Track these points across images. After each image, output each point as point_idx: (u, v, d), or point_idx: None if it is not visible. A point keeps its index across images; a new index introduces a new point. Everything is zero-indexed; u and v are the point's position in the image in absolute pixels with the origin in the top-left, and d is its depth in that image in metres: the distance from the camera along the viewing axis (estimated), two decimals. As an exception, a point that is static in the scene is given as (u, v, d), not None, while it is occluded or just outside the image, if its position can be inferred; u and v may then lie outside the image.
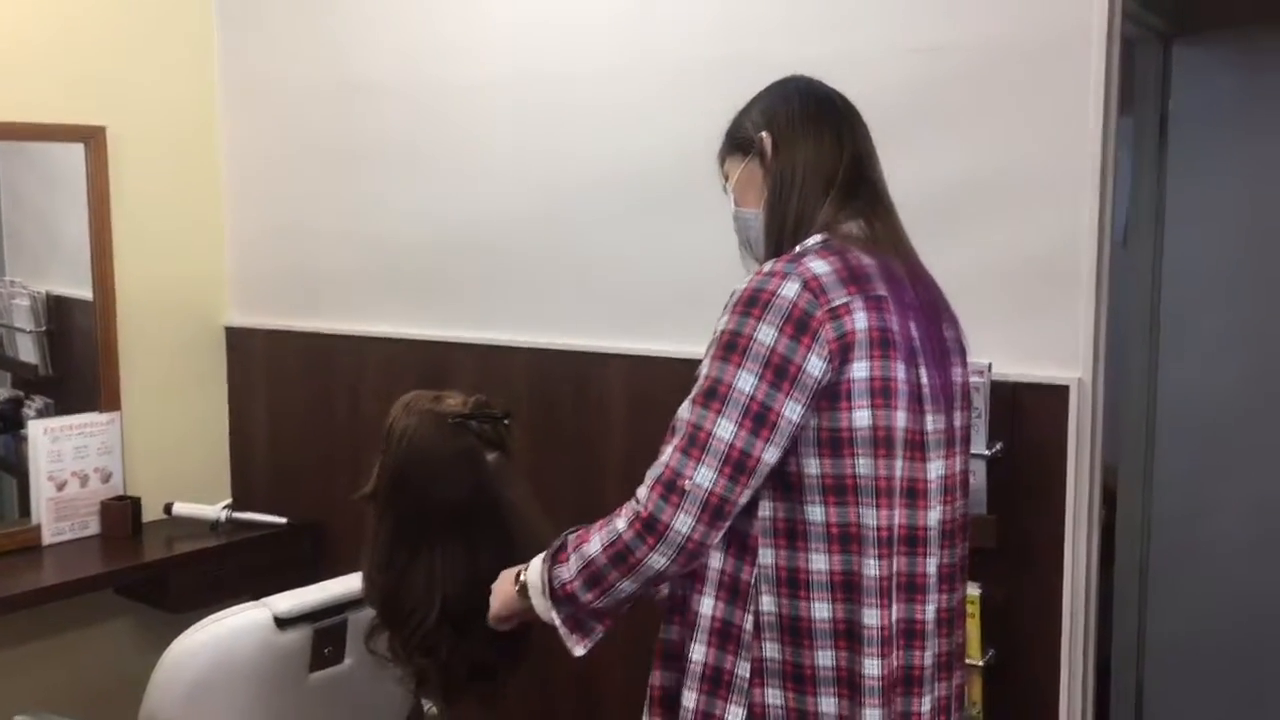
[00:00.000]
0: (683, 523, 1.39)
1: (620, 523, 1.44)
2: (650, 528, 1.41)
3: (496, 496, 1.81)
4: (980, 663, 2.09)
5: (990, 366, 2.06)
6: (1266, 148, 2.78)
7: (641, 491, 1.44)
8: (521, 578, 1.59)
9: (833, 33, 2.24)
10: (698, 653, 1.49)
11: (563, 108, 2.62)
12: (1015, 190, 2.09)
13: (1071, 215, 2.04)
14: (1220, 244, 2.87)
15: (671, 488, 1.40)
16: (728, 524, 1.43)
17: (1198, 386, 2.91)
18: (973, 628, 2.09)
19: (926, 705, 1.50)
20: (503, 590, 1.65)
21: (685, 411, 1.44)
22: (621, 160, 2.54)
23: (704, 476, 1.39)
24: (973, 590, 2.08)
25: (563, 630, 1.53)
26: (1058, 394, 2.05)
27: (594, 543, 1.47)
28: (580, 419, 2.63)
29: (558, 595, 1.51)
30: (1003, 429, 2.08)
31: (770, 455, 1.41)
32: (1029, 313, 2.09)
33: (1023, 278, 2.09)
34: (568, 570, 1.49)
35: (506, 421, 1.85)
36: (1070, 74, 2.02)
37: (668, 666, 1.57)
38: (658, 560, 1.41)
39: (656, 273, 2.50)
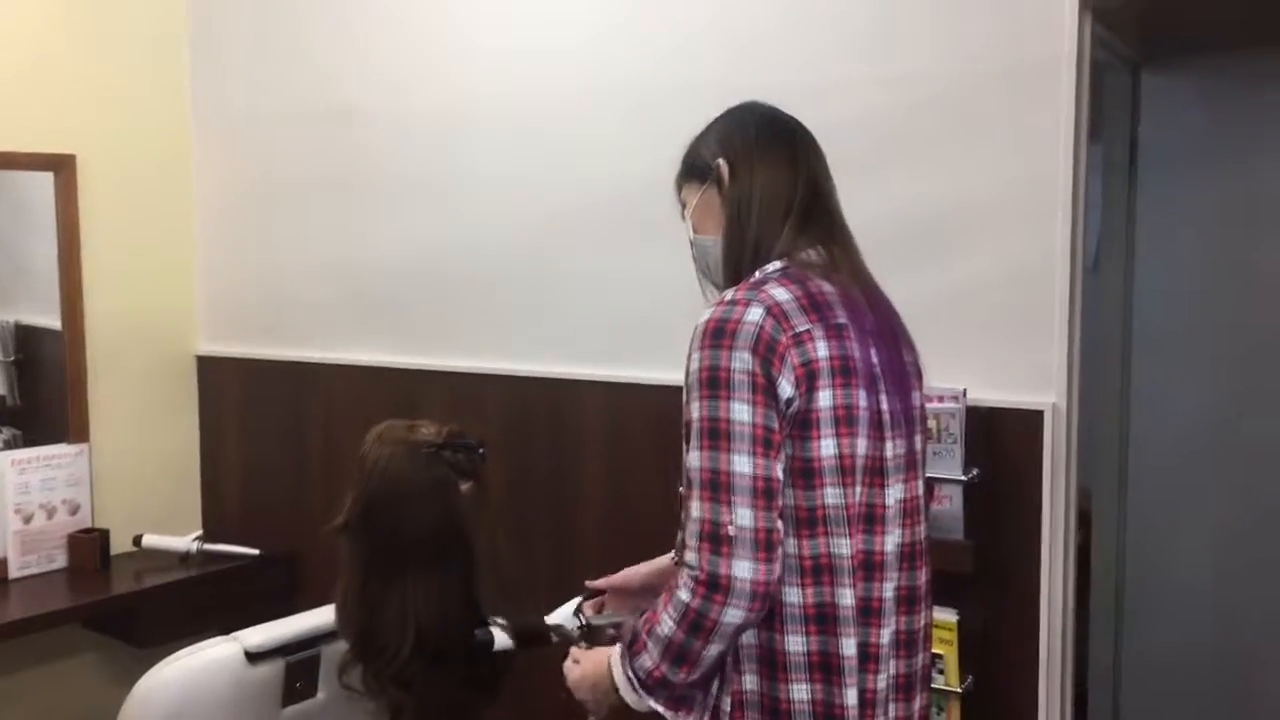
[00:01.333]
0: (742, 569, 1.37)
1: (683, 593, 1.40)
2: (714, 586, 1.37)
3: (470, 527, 1.79)
4: (959, 689, 2.09)
5: (965, 392, 2.06)
6: (1234, 174, 2.81)
7: (690, 556, 1.40)
8: (614, 676, 1.52)
9: (803, 60, 2.26)
10: (711, 686, 1.48)
11: (535, 136, 2.62)
12: (987, 217, 2.10)
13: (1044, 241, 2.05)
14: (1190, 268, 2.90)
15: (717, 539, 1.37)
16: (781, 552, 1.40)
17: (1171, 408, 2.93)
18: (950, 653, 2.08)
19: None
20: (599, 680, 1.57)
21: (695, 460, 1.41)
22: (594, 188, 2.54)
23: (743, 517, 1.37)
24: (950, 616, 2.08)
25: (669, 714, 1.49)
26: (1032, 419, 2.06)
27: (665, 622, 1.42)
28: (555, 447, 2.62)
29: (649, 685, 1.46)
30: (978, 454, 2.08)
31: (781, 472, 1.41)
32: (1003, 338, 2.10)
33: (996, 304, 2.10)
34: (649, 658, 1.44)
35: (481, 451, 1.84)
36: (1041, 101, 2.04)
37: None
38: (734, 614, 1.38)
39: (631, 299, 2.50)
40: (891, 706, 1.53)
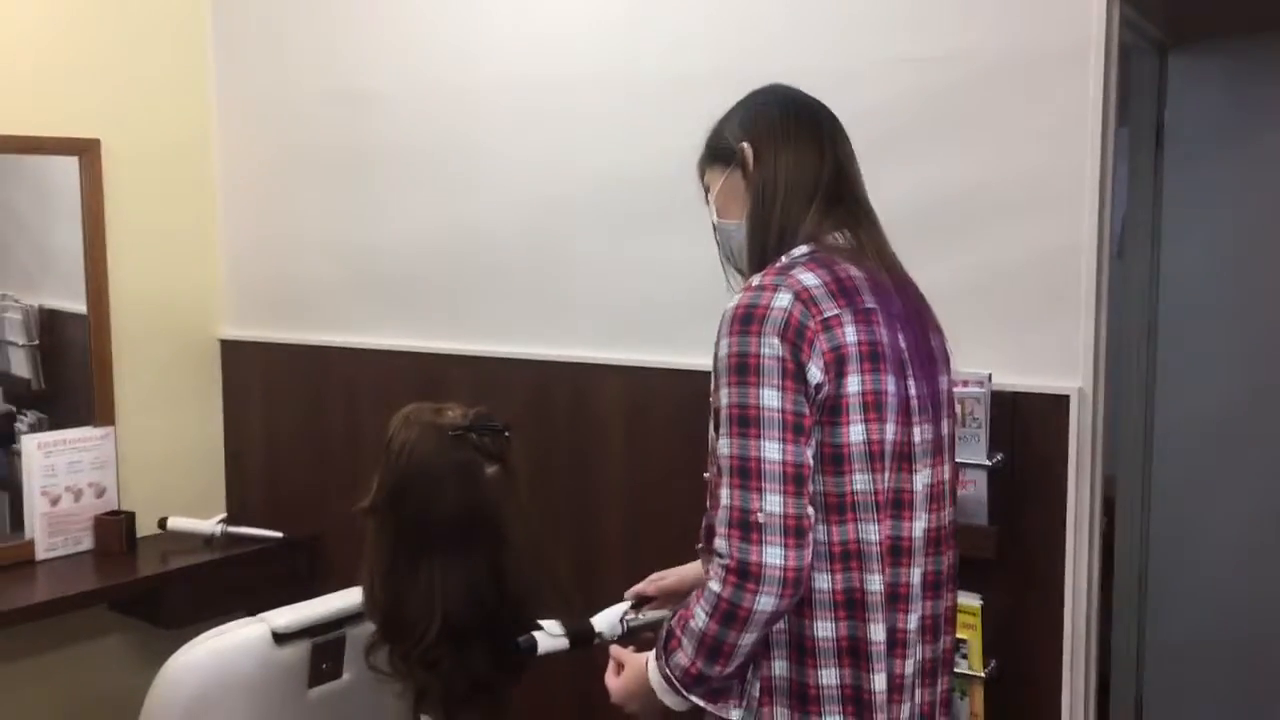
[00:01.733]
0: (773, 555, 1.36)
1: (714, 584, 1.39)
2: (744, 574, 1.37)
3: (496, 509, 1.80)
4: (982, 674, 2.08)
5: (990, 377, 2.05)
6: (1261, 157, 2.79)
7: (720, 544, 1.39)
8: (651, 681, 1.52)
9: (830, 44, 2.24)
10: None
11: (560, 117, 2.62)
12: (1013, 201, 2.09)
13: (1070, 225, 2.04)
14: (1216, 253, 2.88)
15: (747, 526, 1.37)
16: (812, 538, 1.40)
17: (1196, 395, 2.92)
18: (974, 638, 2.08)
19: (906, 713, 1.49)
20: (639, 685, 1.56)
21: (725, 447, 1.41)
22: (619, 170, 2.53)
23: (772, 503, 1.37)
24: (974, 601, 2.08)
25: (708, 707, 1.48)
26: (1058, 404, 2.05)
27: (698, 616, 1.41)
28: (577, 430, 2.62)
29: (686, 683, 1.45)
30: (1003, 439, 2.07)
31: (811, 458, 1.40)
32: (1029, 323, 2.09)
33: (1022, 288, 2.09)
34: (684, 655, 1.44)
35: (507, 434, 1.84)
36: (1069, 84, 2.02)
37: None
38: (766, 602, 1.37)
39: (654, 283, 2.50)
40: (917, 692, 1.53)
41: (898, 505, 1.47)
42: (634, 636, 1.78)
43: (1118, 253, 2.69)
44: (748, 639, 1.40)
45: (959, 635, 2.07)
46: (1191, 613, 2.93)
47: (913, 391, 1.48)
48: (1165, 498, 3.01)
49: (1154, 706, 3.06)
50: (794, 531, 1.37)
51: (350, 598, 1.99)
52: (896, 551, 1.47)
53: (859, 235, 1.54)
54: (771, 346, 1.39)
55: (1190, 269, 2.93)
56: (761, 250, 1.54)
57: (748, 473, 1.38)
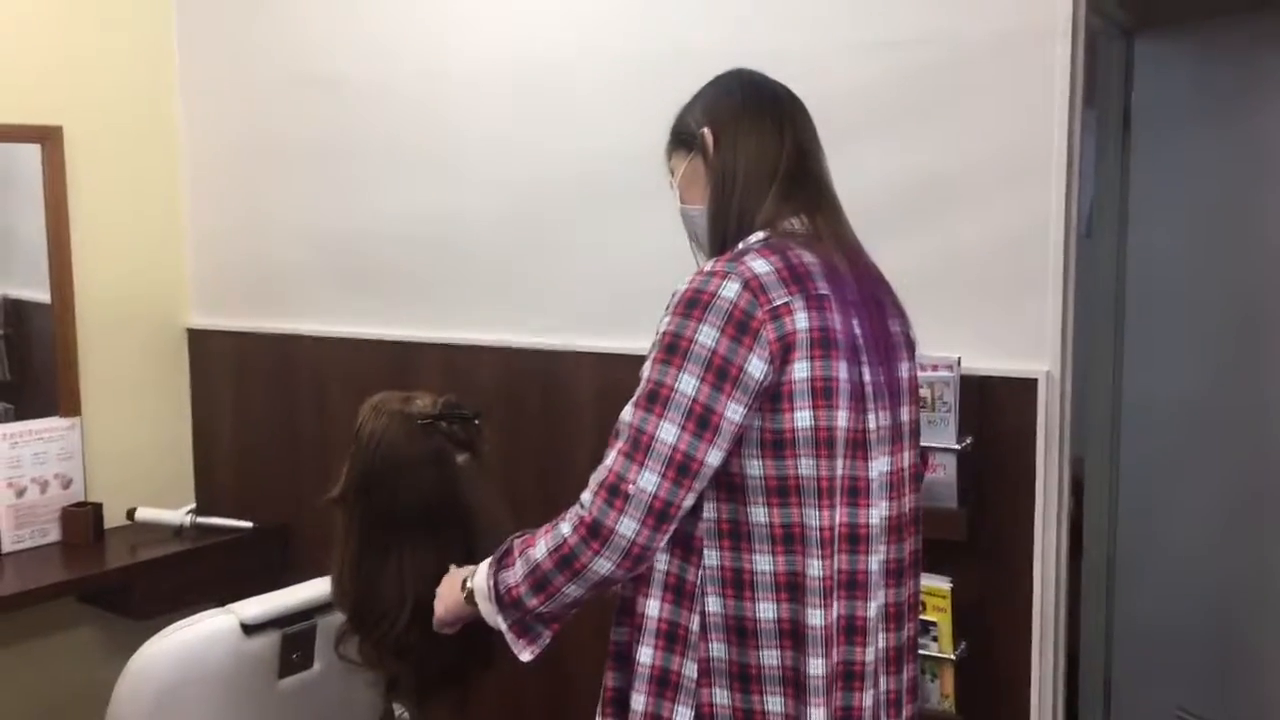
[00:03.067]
0: (627, 527, 1.39)
1: (565, 527, 1.44)
2: (594, 532, 1.40)
3: (466, 498, 1.79)
4: (952, 655, 2.10)
5: (959, 361, 2.06)
6: (1227, 139, 2.81)
7: (585, 496, 1.43)
8: (468, 583, 1.59)
9: (801, 27, 2.24)
10: (645, 655, 1.49)
11: (528, 104, 2.60)
12: (981, 184, 2.10)
13: (1037, 208, 2.05)
14: (1183, 236, 2.90)
15: (615, 492, 1.40)
16: (673, 526, 1.42)
17: (1163, 376, 2.94)
18: (944, 621, 2.09)
19: (869, 700, 1.50)
20: (449, 595, 1.64)
21: (628, 414, 1.43)
22: (588, 156, 2.53)
23: (647, 481, 1.39)
24: (943, 584, 2.09)
25: (510, 636, 1.53)
26: (1026, 387, 2.07)
27: (540, 548, 1.46)
28: (548, 417, 2.61)
29: (504, 601, 1.51)
30: (972, 422, 2.09)
31: (714, 458, 1.41)
32: (996, 306, 2.10)
33: (989, 271, 2.10)
34: (513, 575, 1.49)
35: (477, 422, 1.83)
36: (1035, 67, 2.03)
37: (619, 668, 1.56)
38: (603, 565, 1.41)
39: (624, 269, 2.50)
40: (882, 679, 1.53)
41: (853, 493, 1.47)
42: None
43: (1086, 234, 2.71)
44: (574, 589, 1.45)
45: (929, 618, 2.09)
46: (1160, 593, 2.96)
47: (867, 378, 1.48)
48: (1133, 478, 3.04)
49: (1123, 686, 3.09)
50: (657, 514, 1.40)
51: (320, 587, 1.98)
52: (854, 539, 1.47)
53: (816, 220, 1.54)
54: (707, 335, 1.40)
55: (1157, 250, 2.95)
56: (721, 235, 1.55)
57: (638, 445, 1.40)
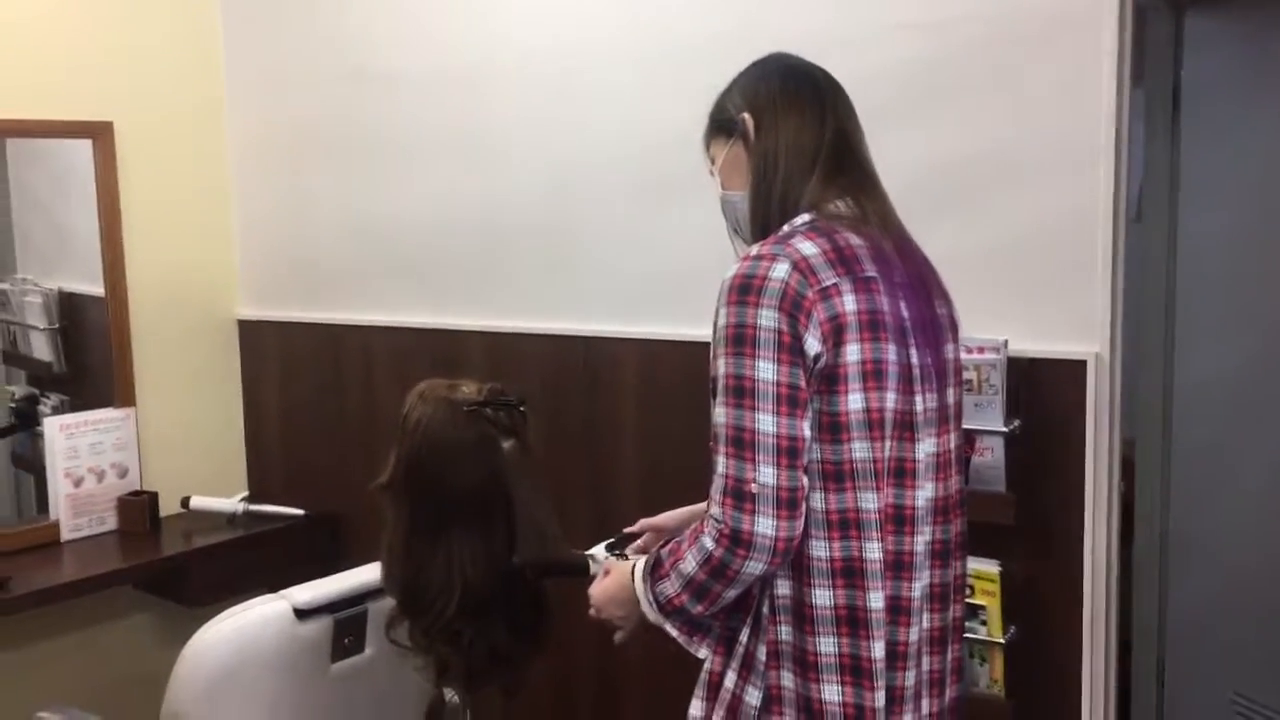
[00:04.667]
0: (765, 525, 1.39)
1: (708, 540, 1.43)
2: (737, 540, 1.40)
3: (511, 484, 1.80)
4: (1002, 639, 2.09)
5: (1006, 343, 2.04)
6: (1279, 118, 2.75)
7: (714, 509, 1.42)
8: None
9: (839, 9, 2.22)
10: (742, 634, 1.51)
11: (569, 91, 2.61)
12: (1028, 165, 2.07)
13: (1086, 189, 2.02)
14: (1235, 216, 2.84)
15: (741, 495, 1.40)
16: (804, 508, 1.42)
17: (1214, 359, 2.89)
18: (993, 605, 2.08)
19: (911, 679, 1.50)
20: (625, 596, 1.61)
21: (721, 416, 1.43)
22: (628, 142, 2.53)
23: (766, 475, 1.39)
24: (992, 568, 2.08)
25: (681, 638, 1.54)
26: (1075, 369, 2.04)
27: (689, 561, 1.46)
28: (591, 404, 2.62)
29: (666, 609, 1.51)
30: (1020, 406, 2.07)
31: (808, 430, 1.41)
32: (1045, 288, 2.07)
33: (1038, 253, 2.08)
34: (671, 586, 1.49)
35: (521, 409, 1.84)
36: (1083, 45, 2.00)
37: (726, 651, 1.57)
38: (755, 567, 1.41)
39: (666, 255, 2.50)
40: (925, 659, 1.53)
41: (900, 474, 1.47)
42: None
43: (1135, 217, 2.67)
44: (732, 592, 1.45)
45: (978, 601, 2.08)
46: (1214, 576, 2.92)
47: (914, 360, 1.48)
48: (1185, 461, 2.99)
49: (1176, 672, 3.05)
50: (787, 503, 1.39)
51: (371, 573, 2.00)
52: (900, 520, 1.47)
53: (861, 202, 1.54)
54: (768, 318, 1.40)
55: (1208, 231, 2.90)
56: (764, 220, 1.54)
57: (742, 443, 1.40)
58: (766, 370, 1.40)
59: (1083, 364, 2.04)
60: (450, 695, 2.02)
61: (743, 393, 1.40)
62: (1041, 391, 2.07)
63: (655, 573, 1.51)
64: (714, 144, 1.65)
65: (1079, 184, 2.03)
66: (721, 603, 1.47)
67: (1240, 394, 2.84)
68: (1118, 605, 2.15)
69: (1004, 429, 2.05)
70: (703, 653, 1.54)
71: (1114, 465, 2.09)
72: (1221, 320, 2.87)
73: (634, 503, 2.56)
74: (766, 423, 1.39)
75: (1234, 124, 2.82)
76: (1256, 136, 2.79)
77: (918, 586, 1.49)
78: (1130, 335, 2.16)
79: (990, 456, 2.06)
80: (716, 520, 1.41)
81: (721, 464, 1.42)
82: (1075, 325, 2.05)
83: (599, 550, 1.84)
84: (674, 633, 1.53)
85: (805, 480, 1.41)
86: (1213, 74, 2.86)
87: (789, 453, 1.39)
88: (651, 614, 1.53)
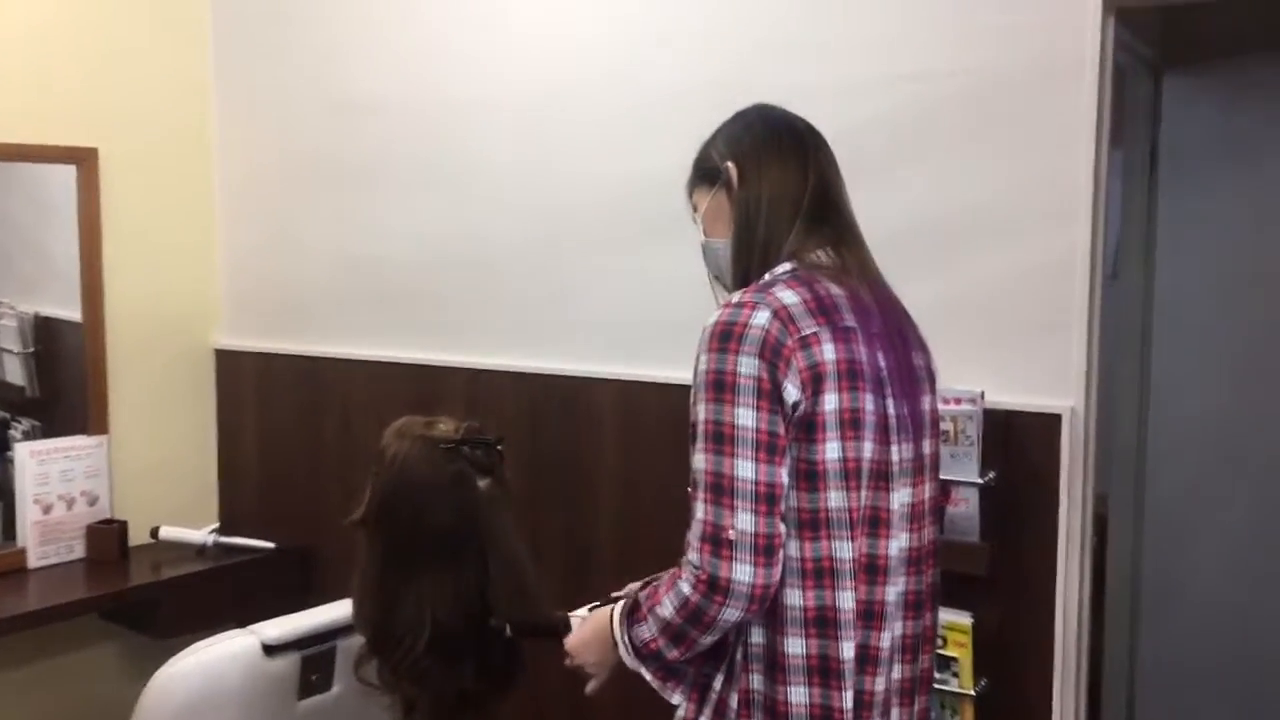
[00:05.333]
0: (742, 572, 1.40)
1: (685, 586, 1.43)
2: (714, 587, 1.41)
3: (487, 523, 1.80)
4: (973, 691, 2.08)
5: (983, 395, 2.06)
6: (1254, 177, 2.80)
7: (692, 555, 1.43)
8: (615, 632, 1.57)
9: (826, 60, 2.25)
10: (716, 681, 1.51)
11: (557, 130, 2.63)
12: (1007, 219, 2.10)
13: (1064, 244, 2.05)
14: (1209, 273, 2.89)
15: (718, 542, 1.40)
16: (782, 555, 1.43)
17: (1188, 413, 2.92)
18: (964, 656, 2.08)
19: None
20: (601, 643, 1.61)
21: (700, 461, 1.44)
22: (613, 184, 2.54)
23: (744, 521, 1.40)
24: (964, 619, 2.08)
25: (655, 683, 1.54)
26: (1050, 422, 2.06)
27: (666, 606, 1.46)
28: (570, 444, 2.62)
29: (643, 654, 1.51)
30: (995, 457, 2.08)
31: (785, 478, 1.42)
32: (1021, 342, 2.09)
33: (1015, 307, 2.09)
34: (648, 630, 1.50)
35: (499, 448, 1.84)
36: (1063, 103, 2.03)
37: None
38: (731, 614, 1.42)
39: (648, 297, 2.51)
40: (895, 711, 1.53)
41: (874, 523, 1.48)
42: None
43: (1111, 273, 2.70)
44: (709, 639, 1.46)
45: (950, 653, 2.08)
46: (1184, 629, 2.93)
47: (891, 410, 1.49)
48: (1158, 516, 3.02)
49: (1146, 718, 3.06)
50: (764, 550, 1.40)
51: (341, 610, 1.99)
52: (872, 569, 1.48)
53: (841, 253, 1.55)
54: (748, 365, 1.41)
55: (1184, 287, 2.94)
56: (745, 268, 1.56)
57: (720, 489, 1.40)
58: (746, 417, 1.40)
59: (1058, 417, 2.05)
60: (417, 735, 2.00)
61: (722, 439, 1.41)
62: (1017, 444, 2.08)
63: (633, 616, 1.52)
64: (697, 192, 1.67)
65: (1057, 240, 2.05)
66: (698, 648, 1.47)
67: (1213, 450, 2.87)
68: (1089, 658, 2.16)
69: (979, 480, 2.06)
70: (676, 698, 1.54)
71: (1087, 518, 2.10)
72: (1195, 377, 2.91)
73: (612, 545, 2.57)
74: (745, 469, 1.40)
75: (1210, 182, 2.87)
76: (1231, 194, 2.84)
77: (887, 637, 1.49)
78: (1105, 390, 2.18)
79: (965, 507, 2.07)
80: (694, 566, 1.42)
81: (700, 509, 1.42)
82: (1051, 379, 2.07)
83: (582, 612, 1.82)
84: (649, 677, 1.53)
85: (783, 527, 1.42)
86: (1190, 134, 2.91)
87: (767, 499, 1.40)
88: (628, 659, 1.53)
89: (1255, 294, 2.79)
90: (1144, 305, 3.02)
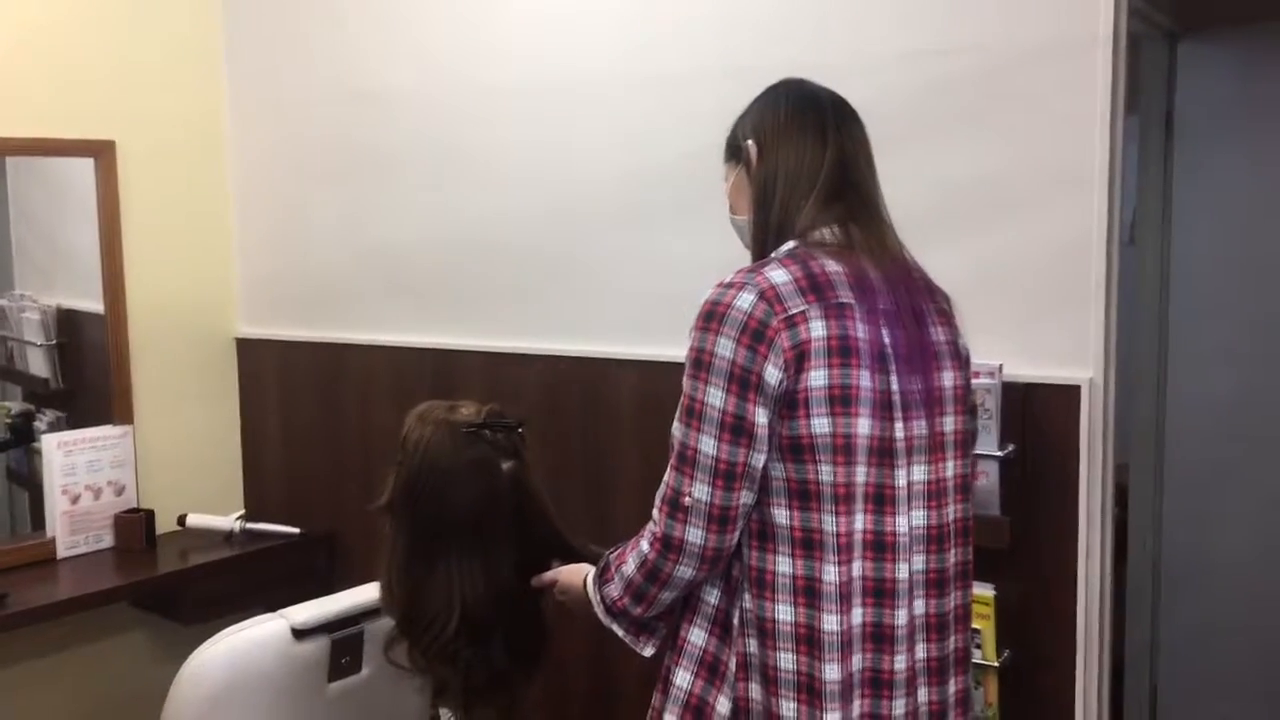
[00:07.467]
0: (695, 535, 1.48)
1: (644, 544, 1.55)
2: (668, 545, 1.51)
3: (512, 505, 1.82)
4: (996, 663, 2.09)
5: (1001, 368, 2.06)
6: (1272, 144, 2.79)
7: (655, 514, 1.53)
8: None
9: (838, 36, 2.25)
10: (696, 636, 1.57)
11: (572, 113, 2.62)
12: (1023, 191, 2.09)
13: (1080, 215, 2.04)
14: (1227, 241, 2.87)
15: (676, 505, 1.49)
16: (739, 524, 1.49)
17: (1208, 382, 2.92)
18: (987, 628, 2.09)
19: (900, 709, 1.50)
20: (579, 596, 1.74)
21: (675, 430, 1.52)
22: (631, 164, 2.54)
23: (700, 491, 1.47)
24: (987, 591, 2.08)
25: (627, 638, 1.65)
26: (1069, 394, 2.05)
27: (630, 563, 1.58)
28: (591, 426, 2.63)
29: (613, 611, 1.63)
30: (1015, 430, 2.08)
31: (755, 460, 1.46)
32: (1039, 314, 2.09)
33: (1032, 279, 2.09)
34: (614, 589, 1.61)
35: (520, 430, 1.86)
36: (1078, 73, 2.02)
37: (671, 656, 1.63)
38: (685, 571, 1.51)
39: (666, 277, 2.51)
40: (923, 690, 1.53)
41: (879, 500, 1.48)
42: None
43: (1129, 241, 2.69)
44: (667, 594, 1.56)
45: (974, 625, 2.08)
46: (1206, 601, 2.93)
47: (895, 387, 1.48)
48: (1179, 485, 3.02)
49: (1168, 695, 3.07)
50: (718, 519, 1.48)
51: (368, 593, 2.01)
52: (880, 547, 1.48)
53: (850, 230, 1.55)
54: (725, 347, 1.45)
55: (1202, 256, 2.93)
56: (762, 245, 1.58)
57: (684, 459, 1.49)
58: (715, 397, 1.46)
59: (1077, 389, 2.05)
60: (447, 716, 2.02)
61: (692, 414, 1.48)
62: (1036, 416, 2.09)
63: (603, 576, 1.64)
64: (726, 168, 1.69)
65: (1073, 210, 2.04)
66: (659, 605, 1.58)
67: (1233, 419, 2.87)
68: (1111, 630, 2.16)
69: (999, 453, 2.06)
70: (648, 651, 1.64)
71: (1108, 489, 2.10)
72: (1214, 345, 2.90)
73: (632, 524, 2.56)
74: (708, 445, 1.47)
75: (1225, 150, 2.86)
76: (1246, 162, 2.82)
77: (903, 615, 1.49)
78: (1124, 360, 2.17)
79: (985, 480, 2.07)
80: (654, 524, 1.52)
81: (667, 474, 1.51)
82: (1070, 350, 2.07)
83: None
84: (621, 633, 1.63)
85: (743, 499, 1.47)
86: (1205, 101, 2.90)
87: (725, 475, 1.46)
88: (603, 617, 1.64)
89: (1273, 258, 2.78)
90: (1162, 273, 3.01)
